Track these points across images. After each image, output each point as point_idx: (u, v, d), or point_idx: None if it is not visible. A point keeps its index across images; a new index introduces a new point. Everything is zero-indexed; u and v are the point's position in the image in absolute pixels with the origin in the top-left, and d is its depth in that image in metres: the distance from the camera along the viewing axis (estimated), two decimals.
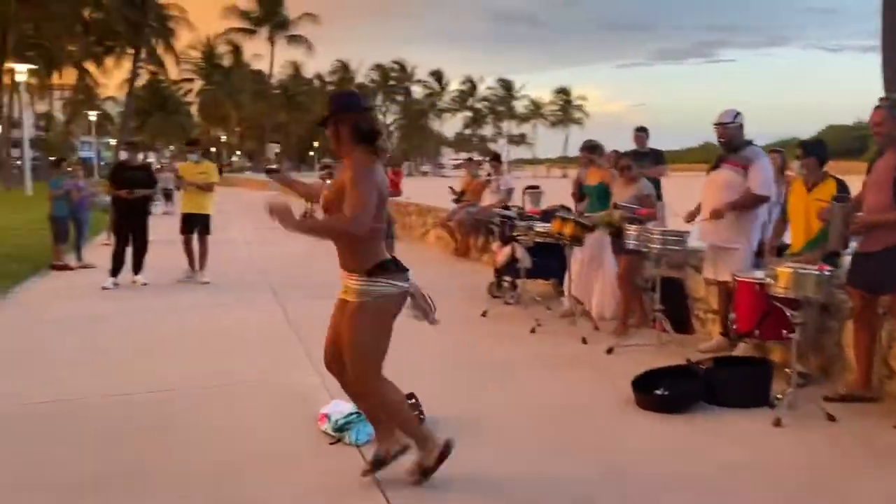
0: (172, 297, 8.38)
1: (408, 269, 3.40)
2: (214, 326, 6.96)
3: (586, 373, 5.28)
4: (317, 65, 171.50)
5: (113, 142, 56.60)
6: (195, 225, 9.23)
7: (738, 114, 5.43)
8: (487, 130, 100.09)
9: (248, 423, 4.36)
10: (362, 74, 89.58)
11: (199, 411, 4.56)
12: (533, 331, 6.38)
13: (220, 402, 4.76)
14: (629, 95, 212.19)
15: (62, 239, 10.78)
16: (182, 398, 4.81)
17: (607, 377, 5.08)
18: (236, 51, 70.38)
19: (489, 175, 10.87)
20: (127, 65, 49.07)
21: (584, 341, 5.97)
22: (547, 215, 7.84)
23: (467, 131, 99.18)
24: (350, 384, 3.46)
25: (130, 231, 8.96)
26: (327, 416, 4.14)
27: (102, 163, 56.14)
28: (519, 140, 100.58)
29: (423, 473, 3.42)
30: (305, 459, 3.82)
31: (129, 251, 9.03)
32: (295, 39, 62.89)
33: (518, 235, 7.07)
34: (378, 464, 3.48)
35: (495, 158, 10.94)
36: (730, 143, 5.43)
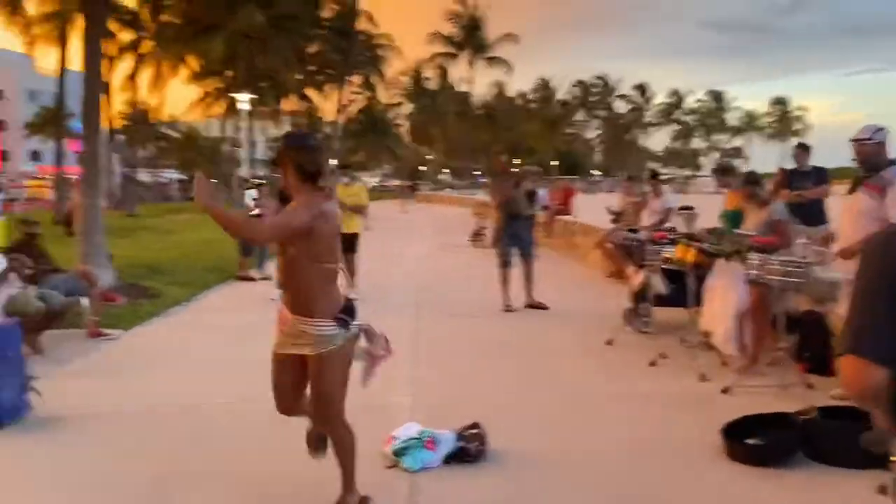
0: None
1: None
2: None
3: (690, 414, 4.86)
4: (520, 83, 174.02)
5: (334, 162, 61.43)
6: (344, 244, 9.69)
7: (879, 129, 4.75)
8: (698, 144, 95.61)
9: None
10: (564, 91, 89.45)
11: (287, 423, 4.79)
12: (653, 363, 6.00)
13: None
14: (868, 104, 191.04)
15: (247, 252, 11.87)
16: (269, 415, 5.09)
17: (713, 420, 4.62)
18: (443, 74, 73.43)
19: (645, 194, 10.38)
20: (344, 91, 53.22)
21: (704, 378, 5.52)
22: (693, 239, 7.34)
23: (676, 145, 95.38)
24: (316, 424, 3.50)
25: None
26: (394, 439, 4.20)
27: None
28: (733, 154, 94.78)
29: None
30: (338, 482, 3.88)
31: None
32: (494, 61, 64.35)
33: (648, 261, 6.70)
34: None
35: (654, 177, 10.41)
36: (868, 163, 4.76)
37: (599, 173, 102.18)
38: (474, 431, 4.16)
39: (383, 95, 64.98)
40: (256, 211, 2.48)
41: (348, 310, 3.26)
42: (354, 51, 43.69)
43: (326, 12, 43.93)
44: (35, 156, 62.04)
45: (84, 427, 4.78)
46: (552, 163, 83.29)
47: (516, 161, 72.31)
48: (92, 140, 9.73)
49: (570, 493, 3.69)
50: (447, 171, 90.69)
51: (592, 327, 7.42)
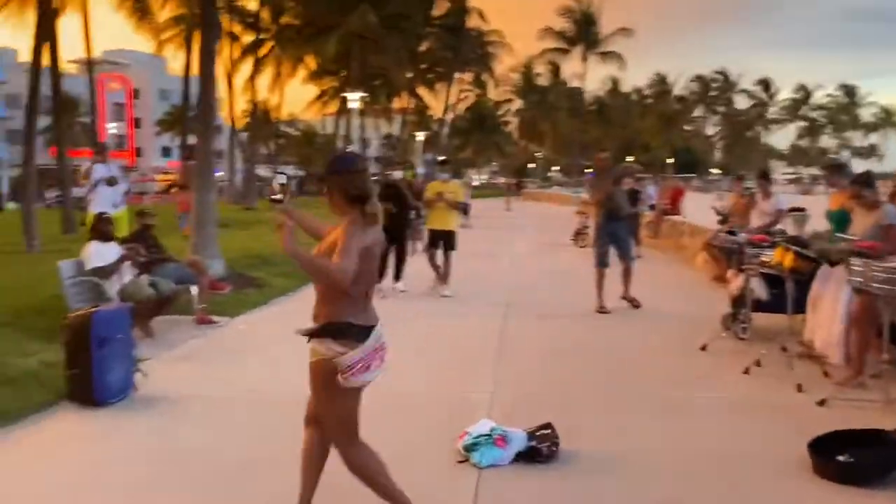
0: (412, 305, 9.04)
1: (371, 329, 3.12)
2: (428, 335, 7.41)
3: (780, 425, 4.63)
4: (635, 78, 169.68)
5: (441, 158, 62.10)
6: (439, 240, 9.80)
7: None
8: (827, 142, 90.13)
9: (389, 431, 4.56)
10: (681, 86, 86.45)
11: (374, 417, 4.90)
12: (747, 371, 5.74)
13: (384, 406, 5.05)
14: None
15: None
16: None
17: (802, 434, 4.39)
18: (555, 70, 72.63)
19: (753, 195, 9.91)
20: (454, 89, 53.80)
21: (800, 389, 5.23)
22: (797, 242, 6.97)
23: (802, 143, 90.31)
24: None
25: (392, 243, 9.91)
26: (467, 434, 4.23)
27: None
28: (867, 152, 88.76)
29: None
30: (408, 474, 3.94)
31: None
32: (607, 56, 62.90)
33: (747, 264, 6.41)
34: None
35: (762, 176, 9.93)
36: None
37: (718, 171, 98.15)
38: (546, 432, 4.14)
39: (493, 92, 65.11)
40: (277, 196, 2.51)
41: (347, 331, 3.04)
42: (465, 48, 43.91)
43: (437, 10, 44.37)
44: (166, 151, 66.08)
45: (183, 407, 5.10)
46: (668, 160, 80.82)
47: (629, 158, 70.78)
48: (205, 137, 10.29)
49: (638, 500, 3.60)
50: (556, 168, 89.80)
51: (688, 332, 7.18)
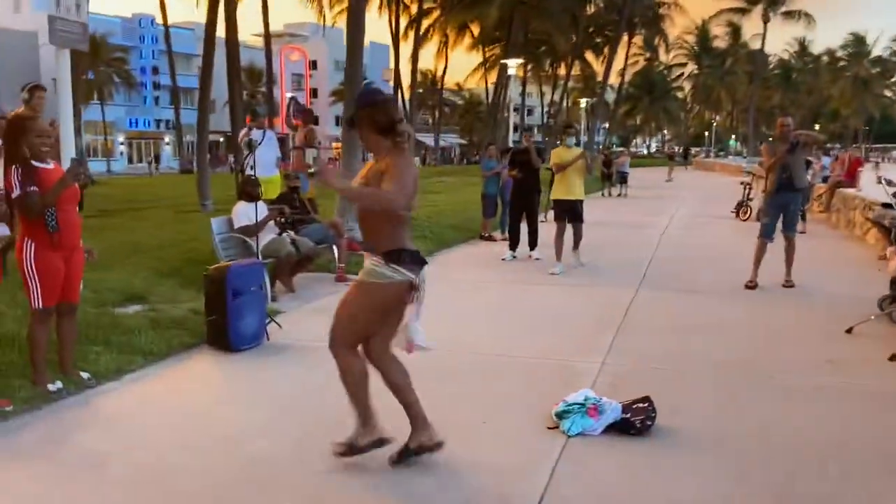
0: (541, 272, 8.98)
1: (425, 263, 3.44)
2: (550, 303, 7.36)
3: None
4: (825, 39, 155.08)
5: (604, 125, 60.50)
6: (565, 212, 9.14)
7: None
8: None
9: (490, 389, 4.61)
10: (881, 47, 78.03)
11: (465, 377, 4.99)
12: (893, 357, 5.23)
13: (491, 365, 5.12)
14: None
15: (490, 213, 12.34)
16: (469, 363, 5.31)
17: None
18: (733, 32, 68.11)
19: None
20: (621, 53, 51.95)
21: None
22: None
23: None
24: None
25: (523, 209, 9.87)
26: (563, 401, 4.20)
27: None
28: None
29: (350, 450, 3.48)
30: (495, 433, 3.96)
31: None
32: (792, 15, 57.77)
33: None
34: (406, 454, 3.50)
35: None
36: None
37: None
38: (643, 405, 4.02)
39: (664, 57, 62.23)
40: (313, 170, 2.61)
41: (406, 256, 3.32)
42: (634, 10, 42.13)
43: None
44: (338, 121, 69.40)
45: (307, 356, 5.45)
46: (861, 129, 73.62)
47: (815, 127, 65.13)
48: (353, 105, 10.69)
49: (725, 484, 3.42)
50: (734, 136, 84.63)
51: (838, 313, 6.61)
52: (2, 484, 3.42)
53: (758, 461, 3.63)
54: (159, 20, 39.18)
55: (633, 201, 21.48)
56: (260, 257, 7.05)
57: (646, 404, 4.03)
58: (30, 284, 4.34)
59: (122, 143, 59.87)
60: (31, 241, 4.30)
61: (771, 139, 8.35)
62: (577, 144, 9.45)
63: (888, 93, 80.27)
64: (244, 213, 7.13)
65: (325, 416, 4.23)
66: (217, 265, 5.69)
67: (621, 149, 30.59)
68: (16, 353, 4.75)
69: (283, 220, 7.48)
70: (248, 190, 7.24)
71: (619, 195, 23.70)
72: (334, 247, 8.31)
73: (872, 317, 6.15)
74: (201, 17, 21.13)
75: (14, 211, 4.20)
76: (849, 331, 5.99)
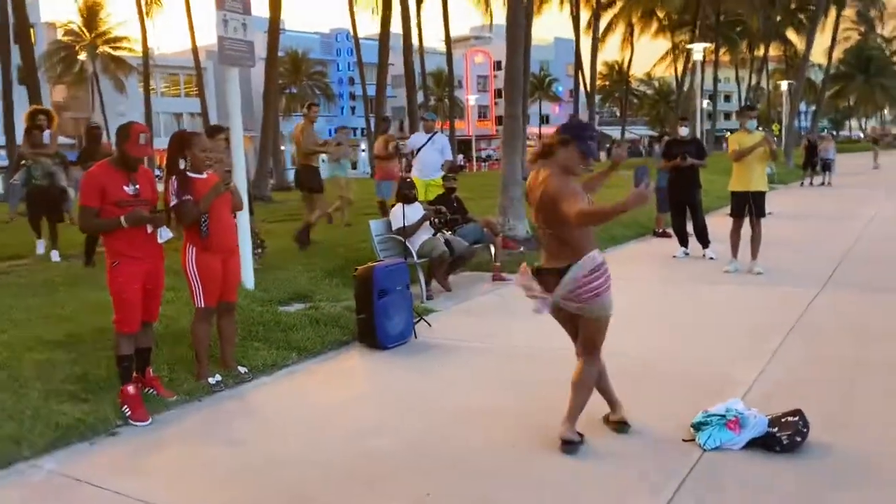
0: (715, 270, 8.36)
1: None
2: (717, 303, 6.83)
3: None
4: None
5: (811, 109, 55.46)
6: (744, 205, 8.15)
7: None
8: None
9: (634, 395, 4.29)
10: None
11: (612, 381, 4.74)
12: None
13: (642, 369, 4.80)
14: None
15: (664, 208, 11.69)
16: (616, 367, 5.02)
17: None
18: None
19: None
20: (829, 29, 47.25)
21: None
22: None
23: None
24: None
25: (683, 204, 9.29)
26: (704, 412, 3.87)
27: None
28: None
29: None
30: (629, 442, 3.70)
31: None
32: None
33: None
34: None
35: None
36: None
37: None
38: (792, 419, 3.59)
39: (882, 29, 55.80)
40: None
41: None
42: None
43: None
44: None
45: (451, 355, 5.50)
46: None
47: None
48: (512, 98, 10.66)
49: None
50: None
51: None
52: (145, 467, 3.76)
53: None
54: (352, 33, 41.62)
55: (837, 190, 19.51)
56: (416, 258, 7.24)
57: (796, 418, 3.60)
58: (192, 285, 4.74)
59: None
60: (191, 245, 4.70)
61: None
62: (759, 128, 8.38)
63: None
64: (400, 214, 7.34)
65: (450, 415, 4.22)
66: (365, 266, 5.88)
67: (823, 134, 27.79)
68: (185, 348, 5.21)
69: (437, 220, 7.60)
70: (404, 192, 7.44)
71: (822, 184, 21.68)
72: (491, 246, 8.31)
73: None
74: (392, 27, 22.19)
75: (172, 217, 4.61)
76: None
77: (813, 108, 53.87)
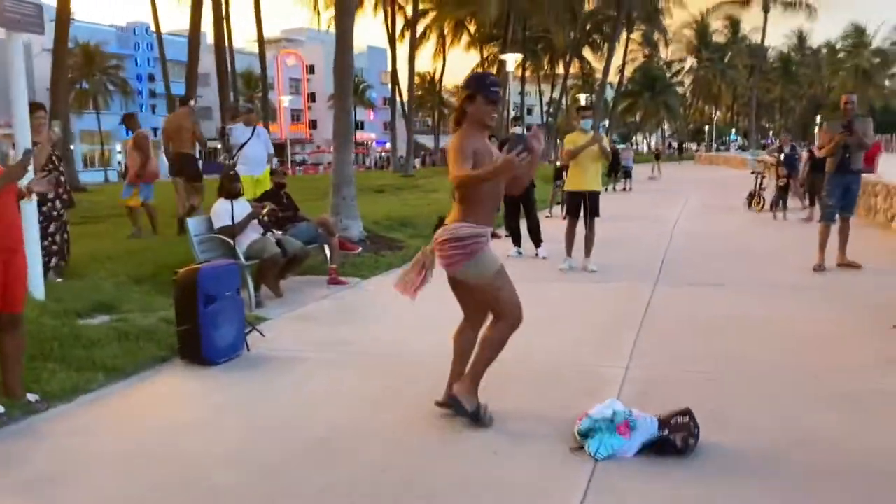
0: (550, 268, 8.32)
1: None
2: (562, 301, 6.72)
3: None
4: (824, 32, 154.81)
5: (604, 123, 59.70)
6: (580, 204, 8.21)
7: None
8: None
9: (501, 403, 3.93)
10: (880, 38, 77.29)
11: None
12: None
13: (501, 375, 4.46)
14: None
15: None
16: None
17: None
18: (733, 24, 67.36)
19: None
20: (620, 50, 51.14)
21: None
22: None
23: None
24: None
25: (517, 204, 9.33)
26: (587, 416, 3.55)
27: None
28: None
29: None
30: (510, 461, 3.32)
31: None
32: (792, 6, 56.75)
33: None
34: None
35: None
36: None
37: None
38: (682, 420, 3.37)
39: (664, 52, 61.50)
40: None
41: None
42: (632, 5, 41.43)
43: None
44: None
45: (291, 368, 4.82)
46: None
47: (817, 118, 64.42)
48: (345, 97, 10.12)
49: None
50: (735, 130, 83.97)
51: (881, 307, 5.99)
52: None
53: (830, 484, 2.99)
54: (153, 28, 38.66)
55: (639, 195, 20.84)
56: (243, 259, 6.44)
57: (686, 418, 3.38)
58: None
59: (119, 152, 59.29)
60: None
61: (827, 121, 8.18)
62: (595, 129, 8.36)
63: (889, 83, 79.41)
64: (224, 211, 6.50)
65: (307, 440, 3.59)
66: (188, 268, 5.04)
67: (623, 145, 29.96)
68: None
69: (267, 218, 6.85)
70: (228, 186, 6.60)
71: (623, 189, 23.18)
72: (325, 247, 7.67)
73: None
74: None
75: None
76: None
77: (606, 122, 58.17)
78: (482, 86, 3.58)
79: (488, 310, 3.69)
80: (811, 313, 6.01)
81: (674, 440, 3.28)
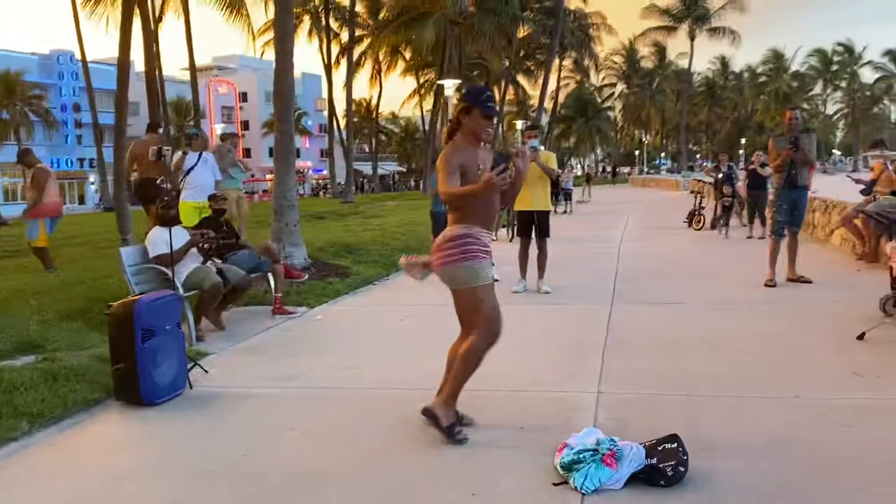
0: (506, 293, 8.11)
1: None
2: (520, 325, 6.49)
3: None
4: (747, 57, 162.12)
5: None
6: (530, 225, 8.14)
7: None
8: None
9: (472, 436, 3.69)
10: (798, 62, 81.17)
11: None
12: None
13: (467, 406, 4.20)
14: None
15: (441, 232, 11.48)
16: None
17: None
18: (660, 51, 69.53)
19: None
20: (554, 76, 52.08)
21: None
22: None
23: None
24: None
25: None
26: (567, 446, 3.31)
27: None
28: None
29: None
30: (488, 500, 3.06)
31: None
32: (717, 32, 58.92)
33: None
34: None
35: (875, 145, 8.52)
36: None
37: (839, 153, 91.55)
38: (671, 446, 3.17)
39: (595, 77, 62.97)
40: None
41: None
42: (564, 31, 42.26)
43: None
44: (271, 152, 67.95)
45: (238, 407, 4.44)
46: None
47: (742, 140, 66.75)
48: (286, 118, 9.80)
49: None
50: (664, 154, 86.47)
51: (838, 319, 5.98)
52: None
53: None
54: (79, 56, 37.43)
55: (578, 217, 21.00)
56: (181, 290, 6.01)
57: (674, 444, 3.18)
58: None
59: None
60: None
61: (776, 136, 8.13)
62: (533, 149, 8.14)
63: (807, 106, 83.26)
64: (161, 239, 6.07)
65: (259, 485, 3.24)
66: (123, 300, 4.62)
67: (560, 170, 30.44)
68: None
69: (207, 246, 6.44)
70: (163, 212, 6.17)
71: (564, 212, 23.31)
72: (269, 275, 7.29)
73: (886, 320, 5.50)
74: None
75: None
76: (861, 337, 5.30)
77: (542, 147, 59.12)
78: (479, 100, 3.60)
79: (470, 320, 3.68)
80: (774, 328, 5.94)
81: (664, 469, 3.07)
